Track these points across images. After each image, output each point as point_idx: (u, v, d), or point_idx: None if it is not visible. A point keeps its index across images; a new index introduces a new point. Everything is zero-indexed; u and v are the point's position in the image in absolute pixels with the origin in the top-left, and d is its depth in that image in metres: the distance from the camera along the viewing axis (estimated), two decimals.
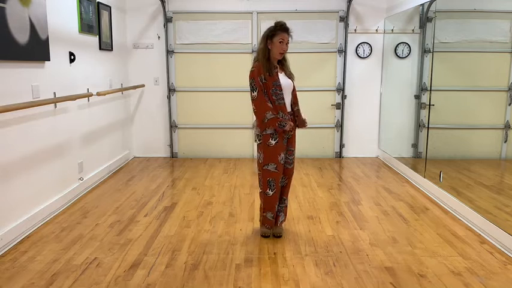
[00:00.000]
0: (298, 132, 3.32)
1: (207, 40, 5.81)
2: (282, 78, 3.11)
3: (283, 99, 3.09)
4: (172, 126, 6.02)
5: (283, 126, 3.02)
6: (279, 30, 3.02)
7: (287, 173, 3.26)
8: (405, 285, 2.56)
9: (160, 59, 5.88)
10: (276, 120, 3.02)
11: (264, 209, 3.24)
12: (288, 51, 3.11)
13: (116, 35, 5.30)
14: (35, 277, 2.64)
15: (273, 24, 3.07)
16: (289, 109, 3.16)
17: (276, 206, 3.24)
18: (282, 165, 3.18)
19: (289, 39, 3.07)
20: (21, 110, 3.19)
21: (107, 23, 5.00)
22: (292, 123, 3.10)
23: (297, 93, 3.28)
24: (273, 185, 3.16)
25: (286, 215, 3.36)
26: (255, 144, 3.28)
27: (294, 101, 3.24)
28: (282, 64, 3.17)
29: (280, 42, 3.02)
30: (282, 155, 3.15)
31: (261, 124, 3.06)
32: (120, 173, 5.19)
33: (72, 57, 4.10)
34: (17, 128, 3.22)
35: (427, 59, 4.86)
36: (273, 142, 3.09)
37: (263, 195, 3.21)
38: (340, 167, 5.56)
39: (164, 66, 5.88)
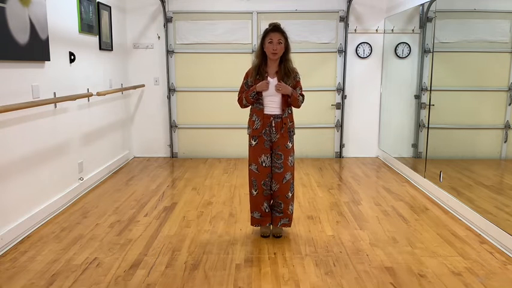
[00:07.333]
0: (298, 132, 3.29)
1: (207, 40, 5.81)
2: (270, 83, 3.06)
3: (261, 104, 3.10)
4: (172, 126, 6.02)
5: (253, 93, 3.07)
6: (269, 31, 3.03)
7: (275, 177, 3.18)
8: (405, 285, 2.56)
9: (160, 59, 5.88)
10: (247, 94, 3.10)
11: (250, 209, 3.30)
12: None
13: (115, 35, 5.30)
14: (35, 277, 2.64)
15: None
16: (275, 112, 3.09)
17: (263, 207, 3.23)
18: (265, 168, 3.16)
19: (282, 38, 3.01)
20: (21, 110, 3.19)
21: (107, 23, 5.00)
22: (265, 83, 3.02)
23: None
24: (256, 185, 3.20)
25: (291, 220, 3.27)
26: None
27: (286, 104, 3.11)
28: (281, 67, 3.09)
29: (269, 42, 3.01)
30: (263, 157, 3.14)
31: (242, 104, 3.18)
32: (120, 173, 5.19)
33: (72, 57, 4.10)
34: (17, 128, 3.22)
35: (427, 59, 4.86)
36: (254, 143, 3.16)
37: (249, 194, 3.28)
38: (340, 167, 5.56)
39: (164, 66, 5.88)
